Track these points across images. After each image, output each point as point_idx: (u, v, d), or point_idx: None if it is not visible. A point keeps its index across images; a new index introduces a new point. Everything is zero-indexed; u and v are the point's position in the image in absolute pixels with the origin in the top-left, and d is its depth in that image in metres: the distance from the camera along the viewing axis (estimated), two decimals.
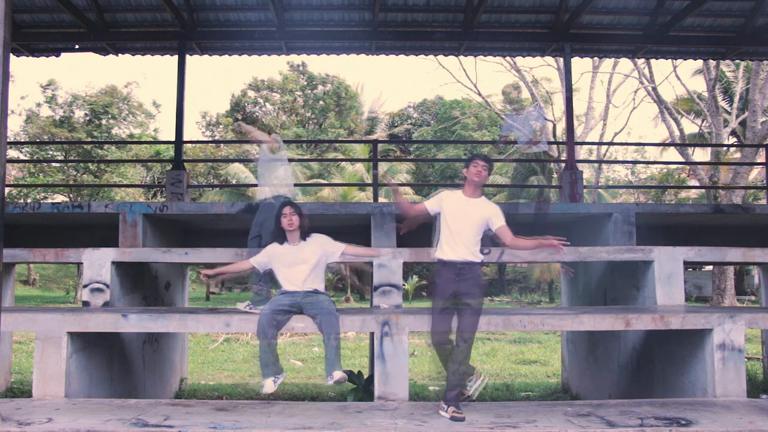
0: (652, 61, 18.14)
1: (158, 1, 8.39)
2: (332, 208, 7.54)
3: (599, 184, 25.20)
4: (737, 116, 19.48)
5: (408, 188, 24.71)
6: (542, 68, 41.32)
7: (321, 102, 33.22)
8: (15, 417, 4.09)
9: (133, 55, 9.63)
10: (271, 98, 33.20)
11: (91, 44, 9.30)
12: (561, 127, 21.96)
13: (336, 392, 8.25)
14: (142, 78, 44.92)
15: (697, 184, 21.03)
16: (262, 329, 4.49)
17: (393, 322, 4.80)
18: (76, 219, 7.85)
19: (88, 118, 23.41)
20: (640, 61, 18.81)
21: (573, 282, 8.87)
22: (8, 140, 8.04)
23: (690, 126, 22.79)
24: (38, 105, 23.86)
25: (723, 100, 20.58)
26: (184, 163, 9.04)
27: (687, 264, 6.29)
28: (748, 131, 16.65)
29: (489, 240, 4.50)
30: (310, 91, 33.63)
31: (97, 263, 5.90)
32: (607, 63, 22.12)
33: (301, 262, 4.73)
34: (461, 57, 12.76)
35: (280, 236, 4.82)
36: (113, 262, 5.95)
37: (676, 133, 19.38)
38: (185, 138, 9.56)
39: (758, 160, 16.29)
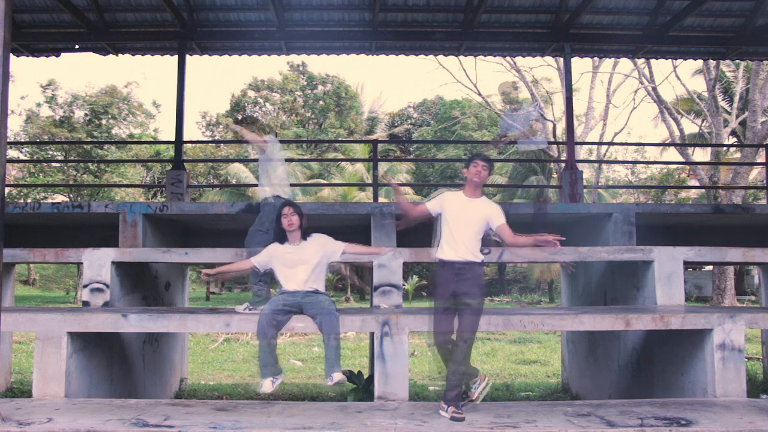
0: (652, 61, 18.14)
1: (158, 1, 8.39)
2: (332, 208, 7.54)
3: (599, 184, 25.20)
4: (737, 116, 19.47)
5: (408, 188, 24.72)
6: (542, 68, 41.35)
7: (321, 102, 33.22)
8: (15, 417, 4.09)
9: (133, 55, 9.63)
10: (271, 98, 33.21)
11: (91, 44, 9.30)
12: (561, 127, 21.96)
13: (336, 392, 8.25)
14: (142, 78, 45.01)
15: (697, 184, 21.03)
16: (262, 329, 4.49)
17: (393, 322, 4.80)
18: (76, 219, 7.85)
19: (88, 118, 23.42)
20: (640, 61, 18.80)
21: (573, 282, 8.87)
22: (8, 140, 8.04)
23: (690, 126, 22.81)
24: (38, 105, 23.90)
25: (723, 100, 20.58)
26: (184, 163, 9.04)
27: (687, 264, 6.29)
28: (748, 131, 16.65)
29: (491, 240, 4.50)
30: (310, 91, 33.63)
31: (97, 263, 5.90)
32: (607, 63, 22.13)
33: (301, 262, 4.73)
34: (461, 57, 12.76)
35: (281, 236, 4.82)
36: (113, 262, 5.95)
37: (676, 133, 19.38)
38: (185, 138, 9.56)
39: (758, 160, 16.29)
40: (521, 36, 9.20)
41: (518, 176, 26.42)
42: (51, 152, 23.53)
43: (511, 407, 4.51)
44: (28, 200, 21.99)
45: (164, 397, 7.87)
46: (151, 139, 26.10)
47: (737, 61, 18.04)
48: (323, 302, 4.63)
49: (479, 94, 24.14)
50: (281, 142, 6.42)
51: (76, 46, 9.53)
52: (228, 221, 7.91)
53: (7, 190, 13.75)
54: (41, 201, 20.94)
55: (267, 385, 4.42)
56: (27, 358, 11.31)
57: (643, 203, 13.99)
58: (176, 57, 9.03)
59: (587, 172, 24.23)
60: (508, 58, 20.52)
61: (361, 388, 6.13)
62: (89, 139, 22.06)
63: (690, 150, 20.77)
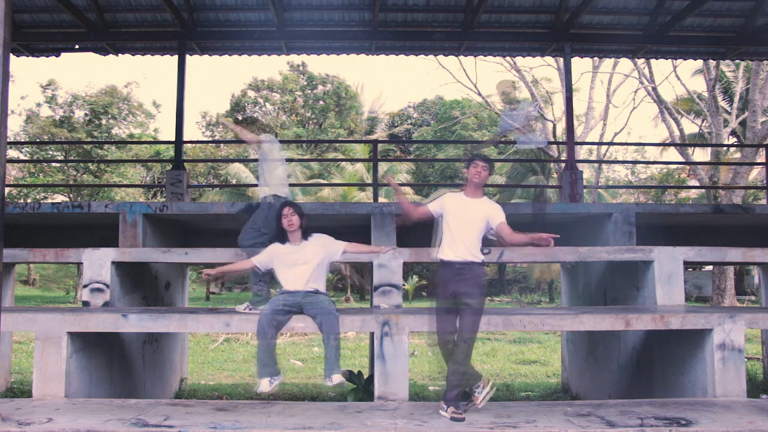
0: (652, 61, 18.14)
1: (158, 1, 8.39)
2: (332, 208, 7.54)
3: (599, 184, 25.21)
4: (737, 116, 19.47)
5: (408, 188, 24.72)
6: (542, 68, 41.34)
7: (321, 102, 33.22)
8: (15, 417, 4.09)
9: (133, 55, 9.63)
10: (271, 98, 33.21)
11: (91, 44, 9.30)
12: (561, 127, 21.96)
13: (336, 392, 8.25)
14: (142, 78, 45.02)
15: (697, 184, 21.03)
16: (262, 329, 4.49)
17: (393, 322, 4.80)
18: (76, 219, 7.85)
19: (88, 118, 23.42)
20: (640, 61, 18.80)
21: (573, 282, 8.87)
22: (8, 140, 8.04)
23: (690, 126, 22.81)
24: (38, 105, 23.90)
25: (723, 100, 20.58)
26: (184, 163, 9.04)
27: (687, 264, 6.29)
28: (748, 131, 16.65)
29: (487, 239, 4.50)
30: (310, 91, 33.63)
31: (97, 263, 5.90)
32: (607, 63, 22.13)
33: (303, 262, 4.73)
34: (461, 57, 12.76)
35: (282, 236, 4.82)
36: (113, 262, 5.95)
37: (676, 133, 19.38)
38: (185, 138, 9.56)
39: (758, 160, 16.29)
40: (521, 36, 9.20)
41: (517, 176, 26.43)
42: (51, 152, 23.53)
43: (511, 407, 4.51)
44: (28, 200, 21.99)
45: (164, 397, 7.87)
46: (151, 139, 26.10)
47: (737, 61, 18.04)
48: (323, 302, 4.64)
49: (479, 94, 24.15)
50: (281, 142, 6.39)
51: (76, 46, 9.53)
52: (228, 221, 7.91)
53: (7, 190, 13.76)
54: (41, 201, 20.94)
55: (264, 385, 4.42)
56: (27, 358, 11.31)
57: (643, 203, 13.98)
58: (176, 57, 9.03)
59: (587, 172, 24.24)
60: (508, 58, 20.53)
61: (361, 388, 6.13)
62: (89, 139, 22.06)
63: (690, 150, 20.77)
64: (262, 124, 30.13)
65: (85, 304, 5.86)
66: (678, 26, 8.86)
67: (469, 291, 4.21)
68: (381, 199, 14.38)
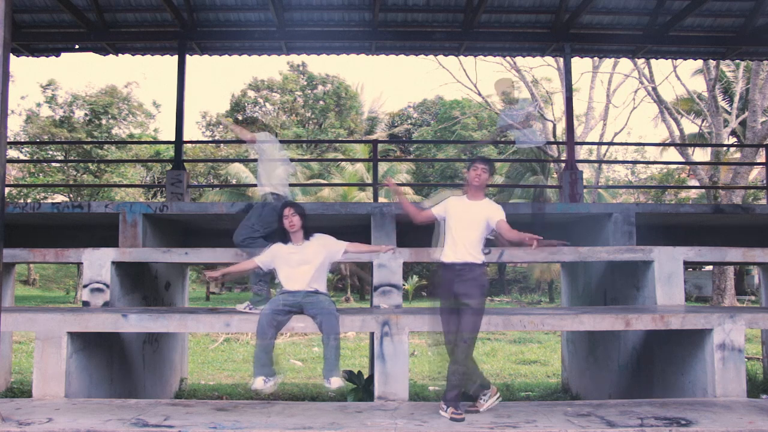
0: (652, 61, 18.14)
1: (158, 1, 8.39)
2: (332, 208, 7.55)
3: (599, 184, 25.20)
4: (737, 116, 19.47)
5: (408, 188, 24.73)
6: (542, 68, 41.31)
7: (321, 102, 33.21)
8: (15, 417, 4.09)
9: (133, 55, 9.63)
10: (271, 98, 33.20)
11: (91, 44, 9.30)
12: (561, 127, 21.97)
13: (336, 392, 8.25)
14: (142, 78, 45.00)
15: (697, 184, 21.03)
16: (262, 329, 4.49)
17: (393, 322, 4.80)
18: (76, 219, 7.85)
19: (88, 118, 23.42)
20: (640, 61, 18.80)
21: (573, 282, 8.87)
22: (8, 140, 8.04)
23: (690, 126, 22.81)
24: (38, 105, 23.90)
25: (723, 100, 20.58)
26: (184, 163, 9.04)
27: (687, 264, 6.29)
28: (748, 131, 16.65)
29: (493, 240, 4.51)
30: (310, 91, 33.62)
31: (97, 263, 5.90)
32: (607, 63, 22.13)
33: (304, 262, 4.73)
34: (461, 57, 12.76)
35: (284, 236, 4.82)
36: (113, 262, 5.95)
37: (676, 133, 19.38)
38: (185, 138, 9.56)
39: (758, 160, 16.29)
40: (521, 36, 9.20)
41: (516, 175, 26.44)
42: (51, 152, 23.53)
43: (511, 407, 4.51)
44: (28, 200, 21.99)
45: (164, 397, 7.87)
46: (151, 139, 26.10)
47: (737, 61, 18.04)
48: (323, 302, 4.64)
49: (479, 94, 24.16)
50: (281, 142, 6.38)
51: (76, 46, 9.53)
52: (228, 221, 7.90)
53: (7, 190, 13.75)
54: (41, 201, 20.94)
55: (259, 383, 4.41)
56: (27, 358, 11.31)
57: (643, 203, 13.98)
58: (176, 57, 9.03)
59: (587, 172, 24.23)
60: (508, 58, 20.56)
61: (361, 388, 6.13)
62: (89, 139, 22.06)
63: (690, 150, 20.77)
64: (263, 124, 30.11)
65: (85, 304, 5.86)
66: (678, 26, 8.86)
67: (468, 292, 4.22)
68: (381, 199, 14.36)
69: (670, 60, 15.01)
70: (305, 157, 25.30)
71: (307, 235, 4.83)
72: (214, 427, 3.91)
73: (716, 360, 4.84)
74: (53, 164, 22.48)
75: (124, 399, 4.99)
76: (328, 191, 23.85)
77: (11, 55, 8.00)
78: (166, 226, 7.92)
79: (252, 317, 4.78)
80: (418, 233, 5.11)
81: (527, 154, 23.94)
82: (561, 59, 14.31)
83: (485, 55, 10.39)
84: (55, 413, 4.21)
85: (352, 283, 28.22)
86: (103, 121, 23.42)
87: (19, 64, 70.69)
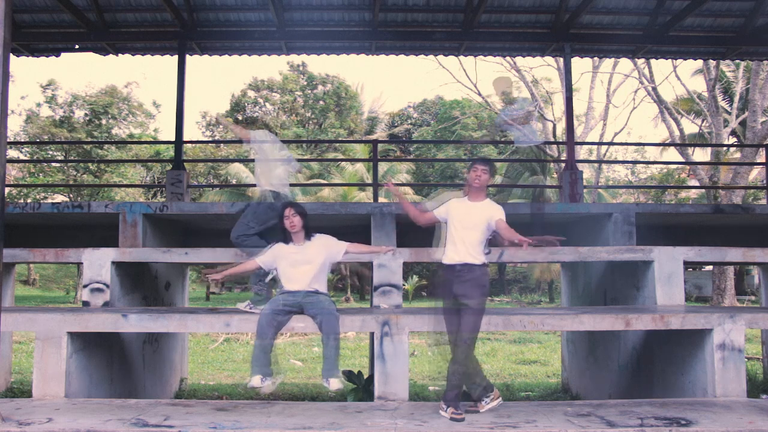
0: (652, 61, 18.15)
1: (158, 1, 8.39)
2: (332, 208, 7.54)
3: (599, 184, 25.21)
4: (737, 116, 19.47)
5: (408, 188, 24.73)
6: (542, 68, 41.33)
7: (321, 102, 33.21)
8: (15, 417, 4.09)
9: (133, 55, 9.63)
10: (271, 98, 33.19)
11: (91, 44, 9.30)
12: (561, 127, 21.97)
13: (336, 393, 8.25)
14: (142, 78, 45.02)
15: (697, 184, 21.03)
16: (262, 329, 4.49)
17: (393, 322, 4.80)
18: (76, 219, 7.85)
19: (88, 118, 23.42)
20: (640, 61, 18.81)
21: (573, 282, 8.87)
22: (8, 140, 8.04)
23: (690, 126, 22.81)
24: (38, 105, 23.90)
25: (723, 100, 20.58)
26: (184, 163, 9.04)
27: (687, 264, 6.29)
28: (748, 131, 16.65)
29: (494, 240, 4.51)
30: (310, 91, 33.62)
31: (97, 263, 5.90)
32: (607, 63, 22.14)
33: (305, 262, 4.73)
34: (461, 57, 12.77)
35: (286, 236, 4.82)
36: (113, 262, 5.95)
37: (676, 133, 19.38)
38: (185, 138, 9.56)
39: (758, 160, 16.29)
40: (521, 36, 9.20)
41: (516, 174, 26.43)
42: (51, 152, 23.53)
43: (511, 407, 4.51)
44: (28, 200, 21.99)
45: (164, 397, 7.87)
46: (151, 139, 26.10)
47: (737, 61, 18.04)
48: (324, 302, 4.64)
49: (479, 94, 24.18)
50: (281, 142, 6.36)
51: (76, 46, 9.53)
52: (228, 221, 7.87)
53: (7, 190, 13.75)
54: (41, 201, 20.94)
55: (256, 380, 4.42)
56: (27, 358, 11.31)
57: (643, 203, 13.98)
58: (176, 57, 9.03)
59: (587, 172, 24.24)
60: (508, 58, 20.56)
61: (361, 388, 6.13)
62: (89, 139, 22.05)
63: (690, 150, 20.77)
64: (263, 124, 30.10)
65: (85, 304, 5.86)
66: (678, 26, 8.86)
67: (467, 292, 4.22)
68: (381, 199, 14.34)
69: (670, 60, 15.02)
70: (305, 157, 25.25)
71: (308, 236, 4.83)
72: (214, 427, 3.91)
73: (716, 360, 4.84)
74: (53, 164, 22.48)
75: (124, 399, 4.99)
76: (328, 191, 23.85)
77: (11, 55, 8.00)
78: (166, 226, 7.92)
79: (252, 317, 4.79)
80: (418, 233, 5.10)
81: (527, 154, 23.92)
82: (561, 59, 14.31)
83: (485, 55, 10.39)
84: (55, 413, 4.22)
85: (352, 283, 28.22)
86: (103, 121, 23.42)
87: (19, 64, 70.74)
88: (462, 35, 8.95)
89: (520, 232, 4.23)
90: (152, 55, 9.59)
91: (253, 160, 6.08)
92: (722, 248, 6.22)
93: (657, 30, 8.90)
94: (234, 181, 24.34)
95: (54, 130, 22.33)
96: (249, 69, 71.75)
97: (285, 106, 32.95)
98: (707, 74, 18.24)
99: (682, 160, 19.49)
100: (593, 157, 26.17)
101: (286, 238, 4.81)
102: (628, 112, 76.13)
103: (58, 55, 9.65)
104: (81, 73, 62.08)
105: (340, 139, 29.10)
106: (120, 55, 9.48)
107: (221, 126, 31.84)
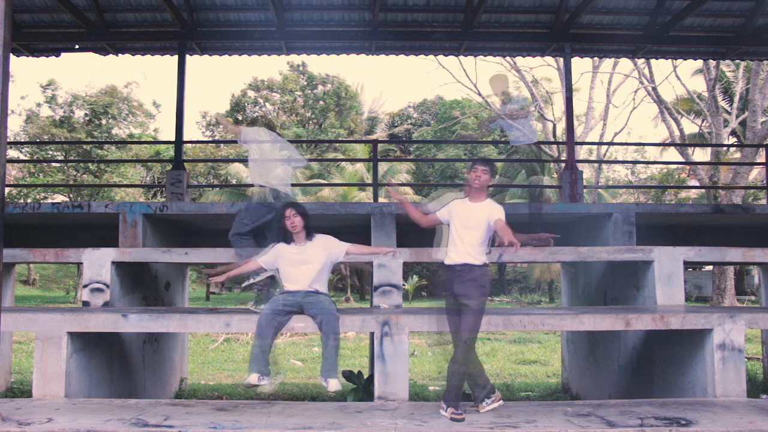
0: (652, 61, 18.14)
1: (158, 1, 8.39)
2: (332, 208, 7.54)
3: (599, 184, 25.20)
4: (737, 116, 19.47)
5: (408, 188, 24.73)
6: (542, 68, 41.30)
7: (321, 102, 33.20)
8: (15, 417, 4.09)
9: (133, 55, 9.62)
10: (271, 98, 33.18)
11: (91, 44, 9.30)
12: (561, 127, 21.96)
13: (335, 393, 8.26)
14: (142, 78, 45.01)
15: (697, 184, 21.03)
16: (262, 329, 4.49)
17: (393, 322, 4.80)
18: (76, 219, 7.85)
19: (88, 118, 23.41)
20: (640, 61, 18.80)
21: (573, 282, 8.87)
22: (8, 140, 8.04)
23: (690, 126, 22.81)
24: (38, 105, 23.88)
25: (723, 100, 20.58)
26: (184, 163, 9.04)
27: (687, 264, 6.29)
28: (748, 131, 16.65)
29: (494, 240, 4.51)
30: (310, 91, 33.61)
31: (97, 263, 5.90)
32: (607, 63, 22.13)
33: (306, 263, 4.73)
34: (461, 57, 12.76)
35: (287, 236, 4.81)
36: (113, 262, 5.95)
37: (676, 133, 19.38)
38: (185, 138, 9.56)
39: (758, 160, 16.28)
40: (521, 36, 9.20)
41: (514, 173, 26.44)
42: (51, 152, 23.53)
43: (511, 407, 4.51)
44: (28, 200, 21.99)
45: (164, 397, 7.87)
46: (151, 139, 26.10)
47: (737, 61, 18.04)
48: (324, 302, 4.64)
49: (479, 94, 24.15)
50: (286, 141, 6.32)
51: (76, 46, 9.52)
52: (228, 221, 7.82)
53: (7, 190, 13.75)
54: (41, 201, 20.94)
55: (253, 378, 4.40)
56: (27, 358, 11.31)
57: (643, 203, 13.98)
58: (176, 57, 9.03)
59: (587, 172, 24.23)
60: (508, 58, 20.55)
61: (361, 388, 6.13)
62: (89, 139, 22.05)
63: (690, 150, 20.77)
64: (264, 123, 30.07)
65: (85, 304, 5.86)
66: (678, 26, 8.85)
67: (467, 292, 4.22)
68: (381, 199, 14.35)
69: (670, 60, 15.02)
70: (305, 157, 25.28)
71: (309, 236, 4.82)
72: (214, 427, 3.91)
73: (716, 360, 4.84)
74: (53, 164, 22.48)
75: (124, 399, 4.99)
76: (328, 191, 23.85)
77: (11, 55, 8.00)
78: (166, 226, 7.92)
79: (252, 317, 4.78)
80: (418, 233, 5.10)
81: (527, 154, 23.95)
82: (561, 59, 14.31)
83: (485, 55, 10.39)
84: (55, 413, 4.22)
85: (352, 283, 28.22)
86: (103, 121, 23.41)
87: (19, 64, 70.73)
88: (462, 35, 8.95)
89: (520, 231, 4.23)
90: (152, 55, 9.59)
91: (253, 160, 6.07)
92: (722, 248, 6.22)
93: (657, 30, 8.90)
94: (234, 181, 24.34)
95: (54, 130, 22.32)
96: (249, 69, 71.83)
97: (285, 106, 32.94)
98: (707, 74, 18.24)
99: (682, 160, 19.49)
100: (593, 157, 26.17)
101: (287, 238, 4.81)
102: (628, 112, 76.13)
103: (58, 55, 9.65)
104: (81, 73, 62.15)
105: (340, 139, 29.10)
106: (120, 55, 9.47)
107: (221, 126, 31.84)
